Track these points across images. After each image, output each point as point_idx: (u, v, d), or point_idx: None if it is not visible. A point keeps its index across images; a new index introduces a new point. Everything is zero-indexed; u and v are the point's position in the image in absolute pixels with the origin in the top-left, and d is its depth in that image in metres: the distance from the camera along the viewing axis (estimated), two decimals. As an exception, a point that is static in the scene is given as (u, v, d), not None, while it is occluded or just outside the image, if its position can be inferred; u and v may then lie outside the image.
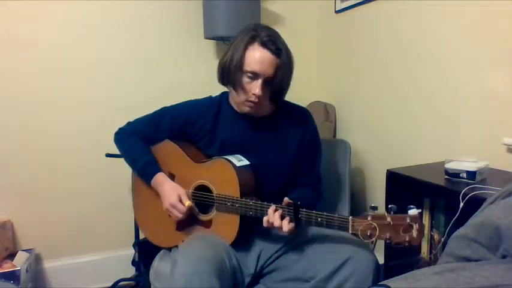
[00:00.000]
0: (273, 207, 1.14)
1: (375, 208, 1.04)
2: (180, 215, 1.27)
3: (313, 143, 1.41)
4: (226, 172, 1.24)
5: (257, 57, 1.21)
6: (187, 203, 1.26)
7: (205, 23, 2.05)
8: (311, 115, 1.45)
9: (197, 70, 2.16)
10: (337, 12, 2.19)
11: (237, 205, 1.21)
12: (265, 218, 1.14)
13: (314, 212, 1.10)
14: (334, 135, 2.23)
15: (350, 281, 1.09)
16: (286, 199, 1.16)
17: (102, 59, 2.01)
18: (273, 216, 1.12)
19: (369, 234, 1.01)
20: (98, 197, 2.06)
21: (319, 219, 1.09)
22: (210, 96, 1.43)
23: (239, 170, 1.24)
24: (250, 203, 1.18)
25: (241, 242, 1.25)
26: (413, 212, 0.99)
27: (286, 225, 1.11)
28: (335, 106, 2.24)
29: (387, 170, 1.38)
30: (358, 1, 1.98)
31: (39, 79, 1.91)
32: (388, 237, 0.99)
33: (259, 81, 1.22)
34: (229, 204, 1.22)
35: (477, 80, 1.39)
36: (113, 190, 2.05)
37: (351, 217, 1.04)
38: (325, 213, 1.08)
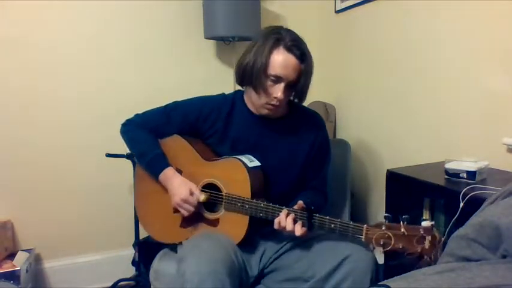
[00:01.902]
0: (285, 211, 1.14)
1: (389, 218, 1.03)
2: (191, 209, 1.25)
3: (323, 148, 1.41)
4: (238, 172, 1.24)
5: (281, 61, 1.21)
6: (203, 196, 1.25)
7: (205, 23, 2.05)
8: (324, 121, 1.46)
9: (197, 70, 2.17)
10: (337, 12, 2.19)
11: (247, 206, 1.20)
12: (276, 220, 1.14)
13: (328, 218, 1.10)
14: (334, 135, 2.23)
15: (348, 280, 1.10)
16: (300, 202, 1.16)
17: (102, 59, 2.01)
18: (285, 220, 1.13)
19: (382, 243, 1.01)
20: (97, 197, 2.06)
21: (332, 225, 1.09)
22: (224, 94, 1.42)
23: (251, 171, 1.24)
24: (262, 205, 1.18)
25: (247, 243, 1.24)
26: (426, 223, 0.99)
27: (299, 230, 1.12)
28: (335, 106, 2.24)
29: (387, 170, 1.38)
30: (358, 1, 1.98)
31: (39, 79, 1.91)
32: (401, 247, 0.99)
33: (282, 85, 1.22)
34: (239, 204, 1.22)
35: (477, 80, 1.38)
36: (112, 190, 2.05)
37: (365, 225, 1.05)
38: (339, 220, 1.09)
